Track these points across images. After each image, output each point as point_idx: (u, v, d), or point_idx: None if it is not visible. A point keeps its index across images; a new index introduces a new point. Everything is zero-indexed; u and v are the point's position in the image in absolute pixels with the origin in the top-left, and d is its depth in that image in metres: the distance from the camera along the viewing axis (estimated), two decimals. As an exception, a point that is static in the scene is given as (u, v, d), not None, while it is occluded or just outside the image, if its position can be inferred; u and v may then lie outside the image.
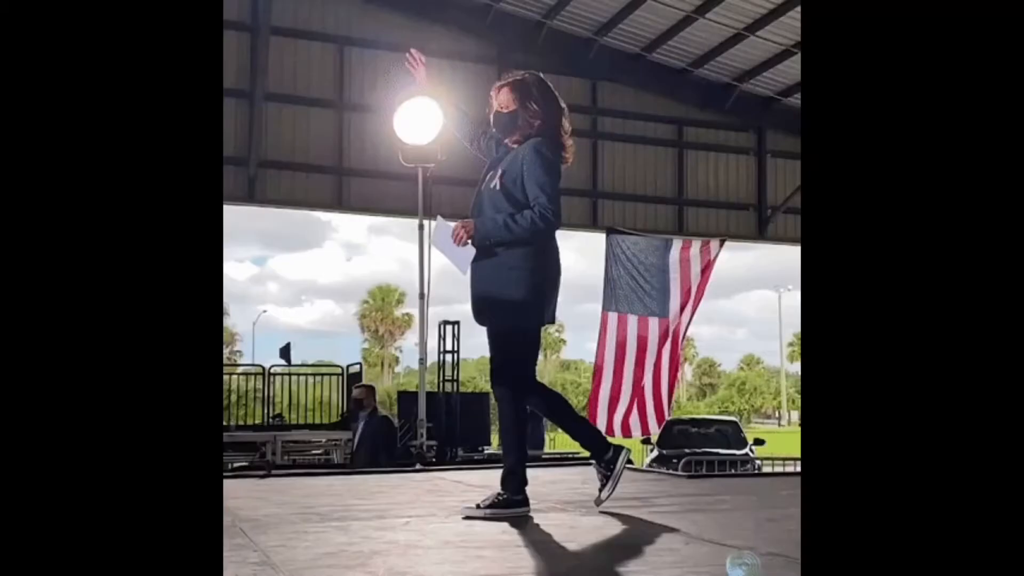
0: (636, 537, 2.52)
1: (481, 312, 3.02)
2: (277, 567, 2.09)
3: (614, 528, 2.70)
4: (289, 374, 11.74)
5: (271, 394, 11.98)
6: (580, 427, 3.15)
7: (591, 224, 15.83)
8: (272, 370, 11.88)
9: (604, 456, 3.04)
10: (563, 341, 55.75)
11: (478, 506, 2.93)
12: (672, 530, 2.60)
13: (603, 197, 16.02)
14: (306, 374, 11.54)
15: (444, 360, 11.04)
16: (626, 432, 8.21)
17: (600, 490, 3.04)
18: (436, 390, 11.06)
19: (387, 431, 7.87)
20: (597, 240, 9.01)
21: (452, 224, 3.00)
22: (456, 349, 10.95)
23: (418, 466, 5.34)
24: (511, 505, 2.94)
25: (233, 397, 14.73)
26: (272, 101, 13.95)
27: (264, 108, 13.79)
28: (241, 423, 12.62)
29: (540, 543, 2.46)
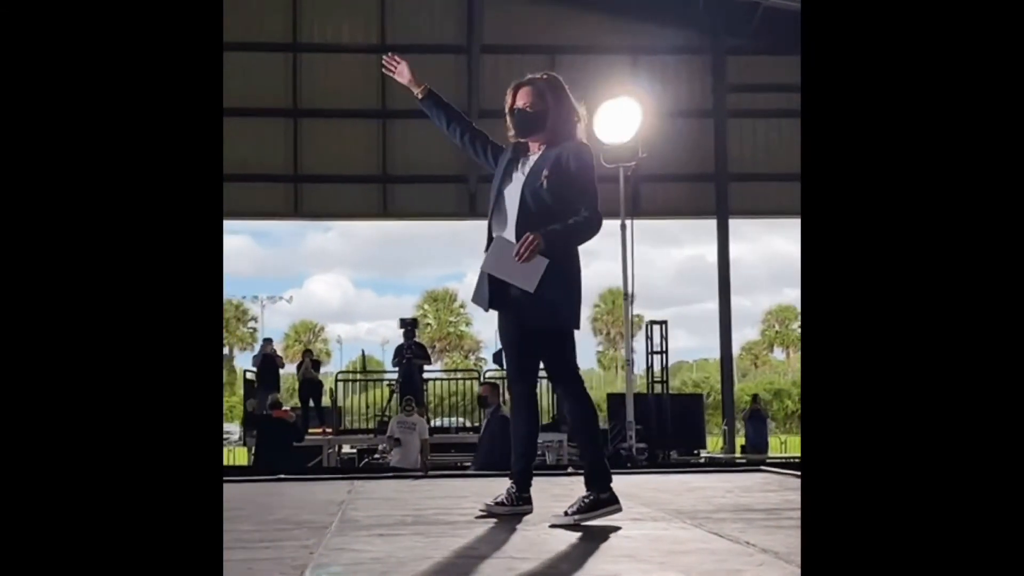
0: (708, 554, 2.23)
1: (543, 314, 2.85)
2: (306, 571, 2.09)
3: (692, 543, 2.41)
4: (503, 379, 12.09)
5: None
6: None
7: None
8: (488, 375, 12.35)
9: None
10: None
11: (566, 513, 2.79)
12: (758, 548, 2.28)
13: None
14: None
15: (652, 361, 10.74)
16: None
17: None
18: (647, 391, 10.79)
19: (504, 432, 7.67)
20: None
21: (510, 242, 2.80)
22: (664, 349, 10.62)
23: (569, 470, 5.20)
24: (599, 505, 2.77)
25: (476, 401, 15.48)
26: (487, 117, 14.46)
27: (480, 125, 14.36)
28: (472, 426, 13.25)
29: (591, 555, 2.26)
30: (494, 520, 2.92)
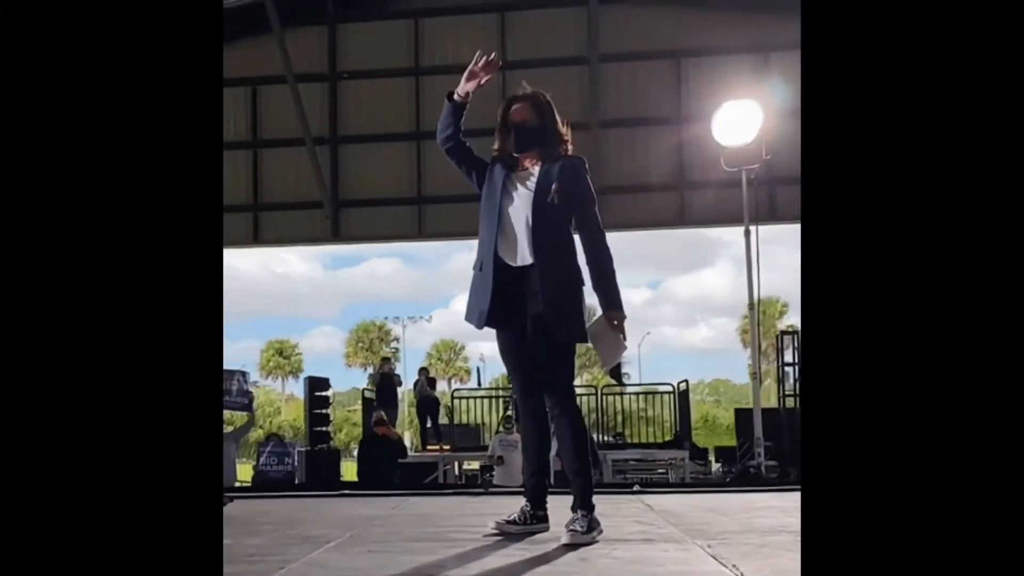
0: (678, 580, 2.03)
1: (566, 325, 2.77)
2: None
3: (674, 565, 2.19)
4: (622, 394, 11.78)
5: (605, 413, 12.10)
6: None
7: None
8: (604, 390, 12.05)
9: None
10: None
11: (580, 531, 2.66)
12: (740, 573, 2.04)
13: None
14: (638, 393, 11.48)
15: (783, 374, 10.12)
16: None
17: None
18: (778, 406, 10.18)
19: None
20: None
21: (608, 344, 2.84)
22: (796, 361, 9.99)
23: (635, 488, 4.93)
24: (596, 525, 2.72)
25: (592, 415, 15.20)
26: (610, 127, 14.25)
27: (604, 135, 14.13)
28: (607, 441, 13.01)
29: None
30: (500, 538, 2.80)
